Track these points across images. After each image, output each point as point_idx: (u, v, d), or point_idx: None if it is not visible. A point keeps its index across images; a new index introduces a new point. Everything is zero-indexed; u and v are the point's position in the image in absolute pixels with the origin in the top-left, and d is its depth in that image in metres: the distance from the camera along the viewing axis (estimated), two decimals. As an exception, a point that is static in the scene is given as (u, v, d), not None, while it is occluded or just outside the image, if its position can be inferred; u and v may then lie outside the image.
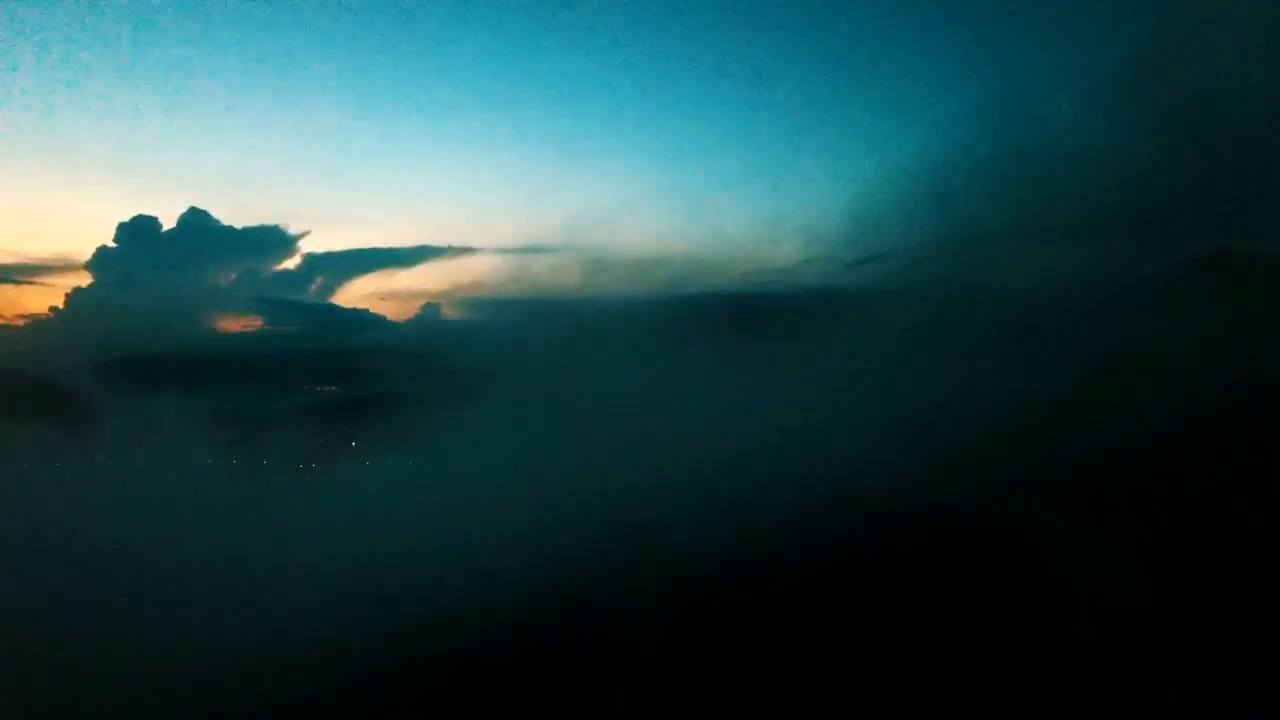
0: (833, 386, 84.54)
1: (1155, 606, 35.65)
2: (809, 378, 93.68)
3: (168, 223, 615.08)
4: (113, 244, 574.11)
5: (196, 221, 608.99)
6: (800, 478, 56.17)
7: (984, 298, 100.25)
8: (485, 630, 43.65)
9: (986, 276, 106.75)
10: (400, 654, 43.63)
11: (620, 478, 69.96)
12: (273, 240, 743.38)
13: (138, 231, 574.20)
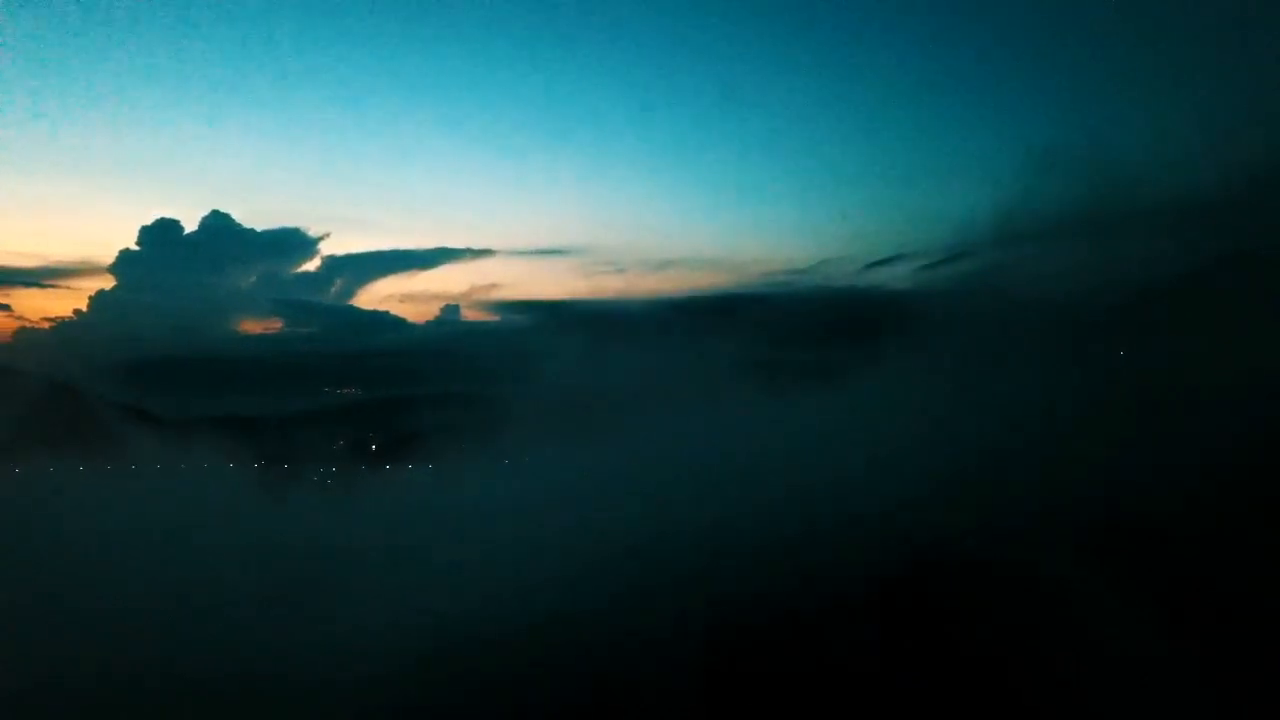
0: (853, 402, 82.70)
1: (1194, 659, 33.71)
2: (833, 391, 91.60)
3: (189, 225, 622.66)
4: (135, 247, 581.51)
5: (218, 224, 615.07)
6: (818, 499, 54.49)
7: (1004, 300, 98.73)
8: (499, 661, 42.56)
9: (1007, 278, 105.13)
10: (406, 684, 42.79)
11: (640, 490, 69.17)
12: (293, 242, 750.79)
13: (160, 234, 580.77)
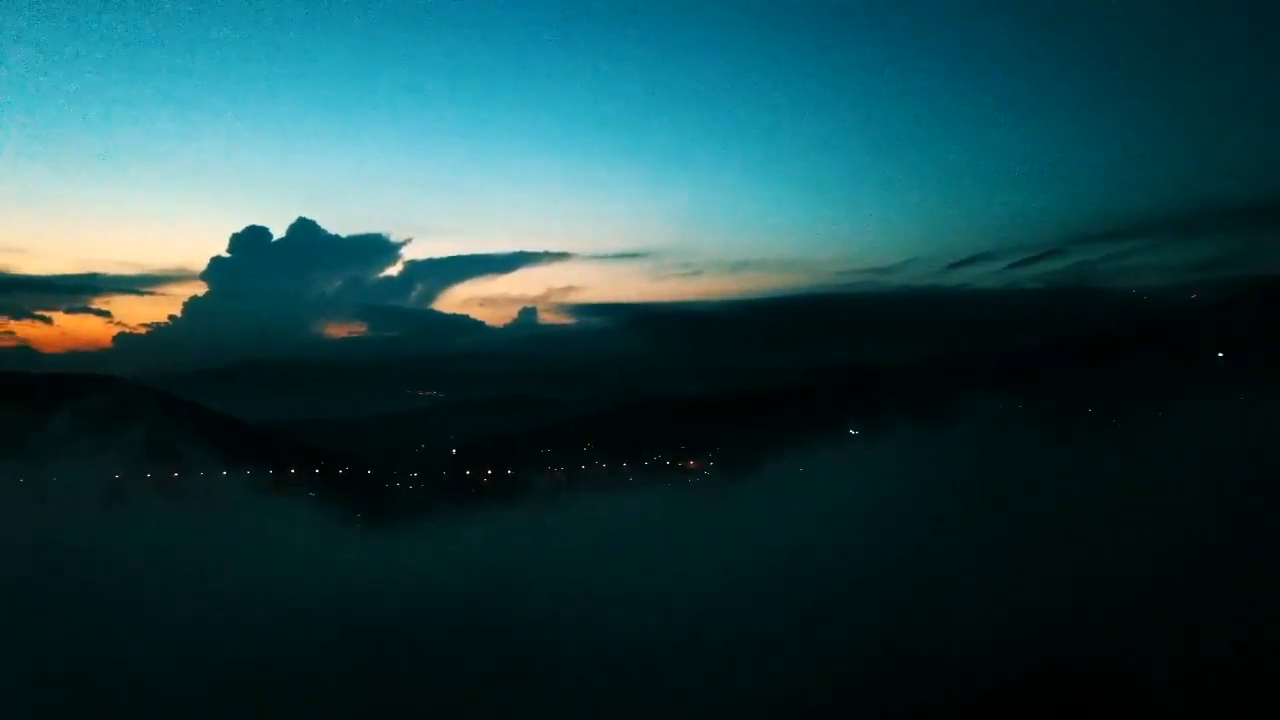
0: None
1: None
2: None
3: (278, 232, 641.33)
4: (227, 254, 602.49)
5: (305, 230, 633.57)
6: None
7: (1096, 300, 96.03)
8: None
9: (1097, 276, 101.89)
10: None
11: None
12: (376, 248, 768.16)
13: (250, 241, 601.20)
